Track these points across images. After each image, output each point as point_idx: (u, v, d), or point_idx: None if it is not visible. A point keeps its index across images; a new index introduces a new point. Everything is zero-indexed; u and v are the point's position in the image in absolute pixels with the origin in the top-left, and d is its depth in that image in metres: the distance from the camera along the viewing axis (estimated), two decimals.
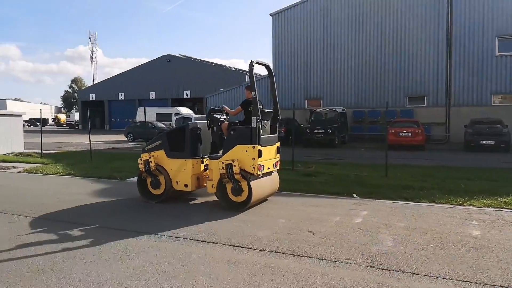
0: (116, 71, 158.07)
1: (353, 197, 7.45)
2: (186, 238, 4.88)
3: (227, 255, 4.31)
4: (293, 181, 8.98)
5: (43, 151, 14.91)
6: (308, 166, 11.33)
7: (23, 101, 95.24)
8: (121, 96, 52.73)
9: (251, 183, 6.12)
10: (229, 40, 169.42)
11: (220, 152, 6.56)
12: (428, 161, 13.17)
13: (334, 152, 16.79)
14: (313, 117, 20.17)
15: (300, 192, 7.95)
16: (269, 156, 6.60)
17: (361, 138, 22.52)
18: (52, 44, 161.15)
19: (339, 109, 20.65)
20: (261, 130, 6.29)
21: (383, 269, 3.90)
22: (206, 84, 46.42)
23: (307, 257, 4.27)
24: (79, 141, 24.40)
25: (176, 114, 26.61)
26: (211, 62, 54.09)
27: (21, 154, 14.86)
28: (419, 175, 9.84)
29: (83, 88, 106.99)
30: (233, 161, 6.10)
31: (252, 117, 6.21)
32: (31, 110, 57.25)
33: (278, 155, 7.00)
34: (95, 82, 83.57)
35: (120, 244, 4.66)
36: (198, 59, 52.30)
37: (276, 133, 7.03)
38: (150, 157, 6.82)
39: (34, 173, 10.80)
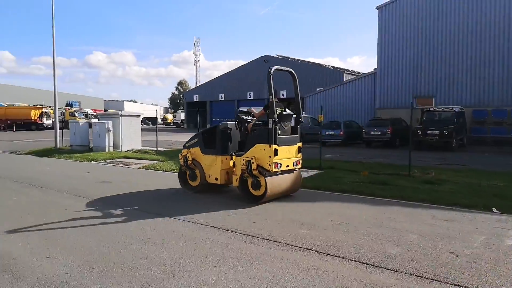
0: (216, 73, 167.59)
1: (493, 211, 6.33)
2: (308, 249, 4.53)
3: (359, 274, 3.83)
4: (413, 189, 8.06)
5: (157, 149, 16.09)
6: (427, 172, 10.16)
7: (137, 102, 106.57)
8: (221, 96, 55.35)
9: (267, 179, 6.68)
10: (323, 39, 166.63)
11: None
12: None
13: (451, 157, 14.99)
14: (425, 117, 18.34)
15: (423, 202, 7.05)
16: (288, 155, 7.06)
17: (482, 141, 19.88)
18: (161, 50, 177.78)
19: (456, 108, 18.46)
20: (278, 131, 6.78)
21: None
22: (302, 83, 45.82)
23: (457, 285, 3.58)
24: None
25: None
26: (308, 61, 53.52)
27: (139, 151, 16.26)
28: None
29: (187, 90, 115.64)
30: (252, 158, 6.68)
31: (269, 119, 6.73)
32: (144, 111, 63.66)
33: (299, 155, 7.36)
34: (198, 84, 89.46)
35: (241, 251, 4.52)
36: (294, 59, 52.23)
37: (297, 134, 7.43)
38: (188, 153, 7.82)
39: (151, 169, 11.61)
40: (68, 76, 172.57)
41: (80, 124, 17.33)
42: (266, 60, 50.65)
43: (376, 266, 4.03)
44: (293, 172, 7.31)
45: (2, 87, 55.57)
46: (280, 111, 7.02)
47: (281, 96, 48.39)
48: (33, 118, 40.99)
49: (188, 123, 59.31)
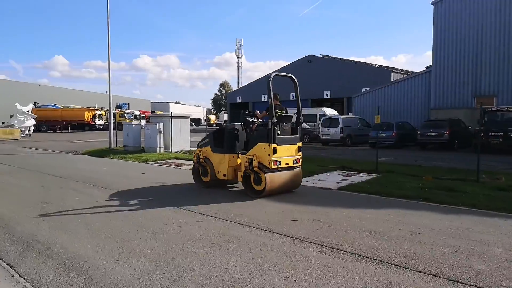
0: (257, 74, 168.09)
1: None
2: (383, 261, 4.20)
3: None
4: (486, 197, 7.41)
5: None
6: (496, 177, 9.37)
7: (181, 104, 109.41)
8: (264, 97, 55.33)
9: (267, 175, 7.27)
10: (366, 37, 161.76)
11: None
12: None
13: None
14: (487, 117, 17.09)
15: (500, 211, 6.44)
16: (288, 153, 7.61)
17: None
18: (203, 52, 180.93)
19: None
20: (278, 131, 7.39)
21: None
22: (347, 83, 45.04)
23: None
24: None
25: (321, 115, 26.16)
26: (353, 60, 52.26)
27: (188, 152, 16.48)
28: None
29: (229, 91, 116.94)
30: (253, 156, 7.35)
31: (268, 121, 7.38)
32: (188, 112, 65.07)
33: (299, 153, 7.92)
34: (240, 85, 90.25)
35: (311, 260, 4.28)
36: (338, 58, 51.14)
37: (297, 134, 8.03)
38: (200, 152, 8.61)
39: None
40: (117, 79, 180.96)
41: (133, 125, 17.86)
42: (310, 60, 49.97)
43: (465, 284, 3.63)
44: (293, 170, 7.82)
45: (57, 89, 59.00)
46: (280, 113, 7.70)
47: (325, 97, 47.80)
48: (86, 119, 43.13)
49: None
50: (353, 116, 24.28)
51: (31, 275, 3.86)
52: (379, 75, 43.24)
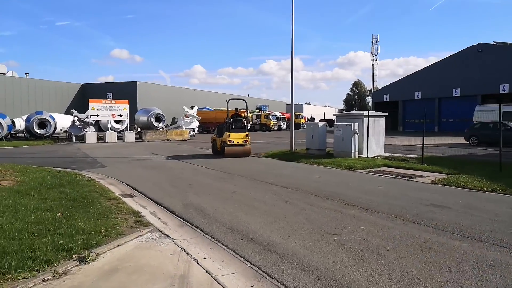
0: (383, 73, 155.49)
1: None
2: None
3: None
4: None
5: (423, 156, 13.10)
6: None
7: (310, 105, 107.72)
8: (418, 95, 49.21)
9: (226, 147, 15.30)
10: None
11: None
12: None
13: None
14: None
15: None
16: (238, 137, 15.48)
17: None
18: (326, 54, 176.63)
19: None
20: (232, 126, 15.71)
21: None
22: None
23: None
24: (389, 143, 22.35)
25: None
26: None
27: (393, 158, 13.62)
28: None
29: (362, 90, 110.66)
30: (222, 138, 15.70)
31: (228, 121, 15.95)
32: (320, 112, 62.63)
33: (247, 138, 15.70)
34: (375, 84, 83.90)
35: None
36: None
37: (245, 128, 16.27)
38: (213, 137, 17.39)
39: (455, 186, 8.64)
40: (246, 84, 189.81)
41: (319, 126, 15.86)
42: (480, 49, 42.25)
43: None
44: (243, 146, 15.53)
45: (208, 93, 62.75)
46: (236, 118, 16.35)
47: (502, 91, 39.49)
48: None
49: None
50: None
51: None
52: None
